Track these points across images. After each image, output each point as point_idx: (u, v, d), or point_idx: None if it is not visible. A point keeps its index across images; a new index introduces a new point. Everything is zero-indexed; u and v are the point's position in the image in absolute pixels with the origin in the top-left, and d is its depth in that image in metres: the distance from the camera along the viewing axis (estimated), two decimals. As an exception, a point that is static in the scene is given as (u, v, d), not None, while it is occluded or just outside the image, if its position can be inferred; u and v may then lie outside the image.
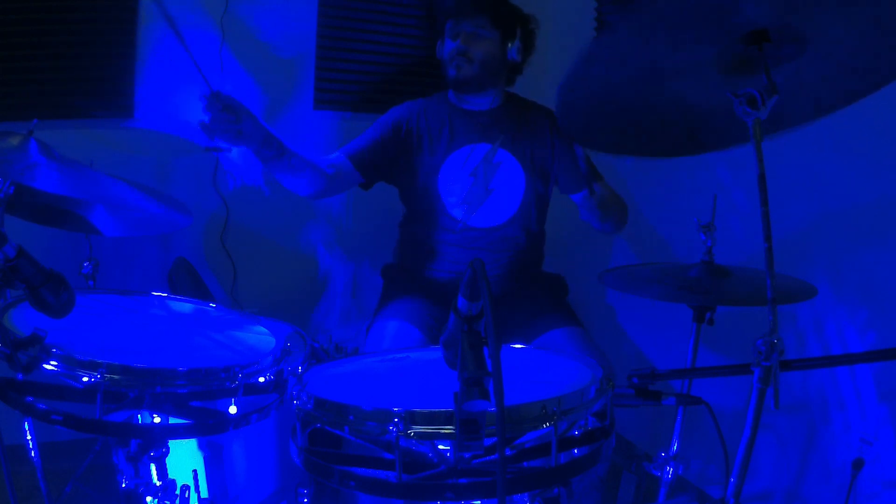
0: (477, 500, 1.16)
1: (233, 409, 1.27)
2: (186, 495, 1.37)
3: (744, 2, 1.00)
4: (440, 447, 1.11)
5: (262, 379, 1.32)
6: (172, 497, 1.34)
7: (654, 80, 1.17)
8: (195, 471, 1.41)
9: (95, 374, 1.18)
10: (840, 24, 1.06)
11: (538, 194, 2.16)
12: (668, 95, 1.21)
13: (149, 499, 1.32)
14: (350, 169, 2.08)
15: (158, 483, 1.32)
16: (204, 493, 1.41)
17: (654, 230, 2.66)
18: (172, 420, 1.30)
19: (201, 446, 1.44)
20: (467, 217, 2.09)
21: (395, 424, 1.05)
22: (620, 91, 1.20)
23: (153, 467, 1.32)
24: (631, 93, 1.21)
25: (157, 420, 1.32)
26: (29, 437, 1.47)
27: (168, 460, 1.33)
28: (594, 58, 1.12)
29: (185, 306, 1.68)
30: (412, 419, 1.06)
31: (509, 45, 2.09)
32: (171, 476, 1.34)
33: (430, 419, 1.07)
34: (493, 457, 1.09)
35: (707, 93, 1.19)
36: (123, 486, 1.33)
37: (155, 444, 1.30)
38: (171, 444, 1.33)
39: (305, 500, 1.37)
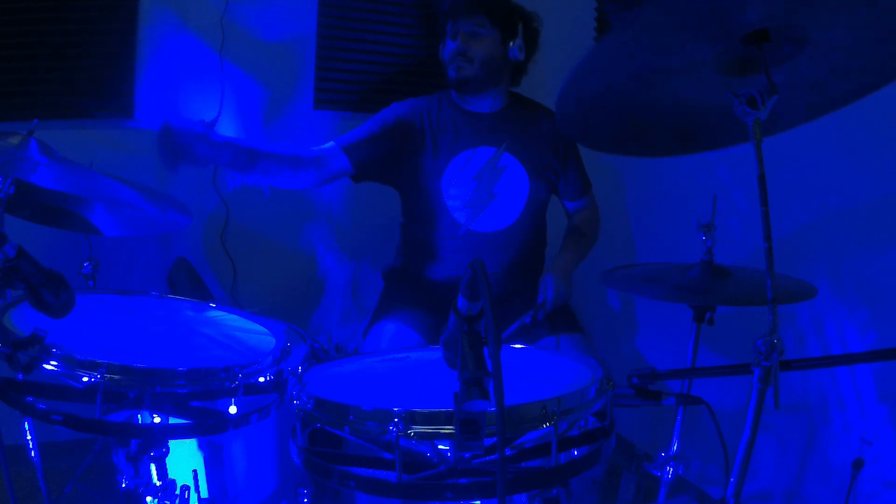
0: (477, 500, 1.16)
1: (233, 409, 1.27)
2: (186, 495, 1.37)
3: (748, 3, 1.00)
4: (440, 447, 1.11)
5: (262, 379, 1.31)
6: (172, 497, 1.34)
7: (652, 78, 1.17)
8: (195, 471, 1.41)
9: (95, 374, 1.18)
10: (839, 24, 1.06)
11: (541, 198, 2.15)
12: (664, 94, 1.21)
13: (149, 499, 1.32)
14: (342, 159, 2.05)
15: (158, 483, 1.32)
16: (204, 493, 1.41)
17: (654, 230, 2.66)
18: (172, 420, 1.30)
19: (201, 446, 1.44)
20: (470, 221, 2.08)
21: (395, 424, 1.05)
22: (618, 90, 1.20)
23: (153, 467, 1.32)
24: (628, 91, 1.21)
25: (157, 420, 1.32)
26: (29, 437, 1.47)
27: (168, 460, 1.32)
28: (595, 61, 1.12)
29: (185, 306, 1.68)
30: (412, 419, 1.06)
31: (510, 43, 2.06)
32: (171, 476, 1.34)
33: (430, 419, 1.07)
34: (493, 457, 1.09)
35: (704, 92, 1.19)
36: (123, 486, 1.33)
37: (155, 444, 1.30)
38: (171, 444, 1.33)
39: (305, 500, 1.37)
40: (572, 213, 2.24)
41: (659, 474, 1.61)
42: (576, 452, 1.21)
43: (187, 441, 1.42)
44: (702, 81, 1.17)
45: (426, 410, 1.07)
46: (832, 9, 1.03)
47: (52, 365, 1.20)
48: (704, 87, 1.18)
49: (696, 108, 1.26)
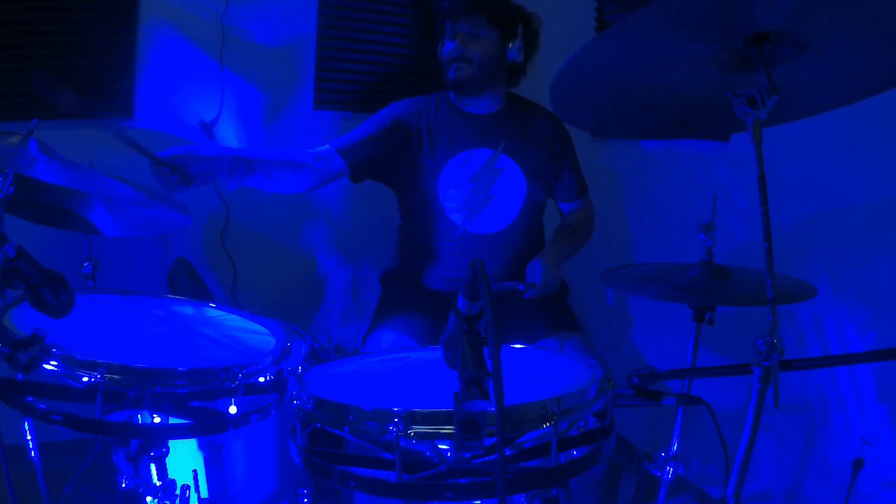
0: (477, 500, 1.16)
1: (233, 409, 1.27)
2: (186, 495, 1.37)
3: (754, 7, 1.01)
4: (440, 447, 1.11)
5: (262, 379, 1.32)
6: (172, 497, 1.34)
7: (648, 67, 1.17)
8: (195, 471, 1.41)
9: (95, 374, 1.18)
10: (842, 29, 1.06)
11: (538, 200, 2.14)
12: (662, 82, 1.22)
13: (149, 499, 1.32)
14: (338, 162, 2.05)
15: (158, 483, 1.32)
16: (204, 493, 1.41)
17: (654, 230, 2.66)
18: (172, 420, 1.30)
19: (201, 446, 1.44)
20: (467, 223, 2.07)
21: (395, 424, 1.05)
22: (615, 76, 1.20)
23: (153, 467, 1.32)
24: (625, 78, 1.21)
25: (157, 420, 1.32)
26: (29, 437, 1.47)
27: (168, 460, 1.33)
28: (594, 52, 1.12)
29: (185, 306, 1.68)
30: (412, 419, 1.06)
31: (510, 44, 2.05)
32: (171, 476, 1.34)
33: (430, 419, 1.07)
34: (493, 457, 1.09)
35: (701, 84, 1.20)
36: (123, 486, 1.33)
37: (155, 444, 1.30)
38: (171, 444, 1.33)
39: (305, 500, 1.37)
40: (566, 214, 2.24)
41: (659, 474, 1.61)
42: (576, 452, 1.21)
43: (187, 441, 1.42)
44: (698, 73, 1.17)
45: (426, 410, 1.07)
46: (836, 16, 1.03)
47: (52, 365, 1.20)
48: (701, 78, 1.18)
49: (691, 96, 1.26)
